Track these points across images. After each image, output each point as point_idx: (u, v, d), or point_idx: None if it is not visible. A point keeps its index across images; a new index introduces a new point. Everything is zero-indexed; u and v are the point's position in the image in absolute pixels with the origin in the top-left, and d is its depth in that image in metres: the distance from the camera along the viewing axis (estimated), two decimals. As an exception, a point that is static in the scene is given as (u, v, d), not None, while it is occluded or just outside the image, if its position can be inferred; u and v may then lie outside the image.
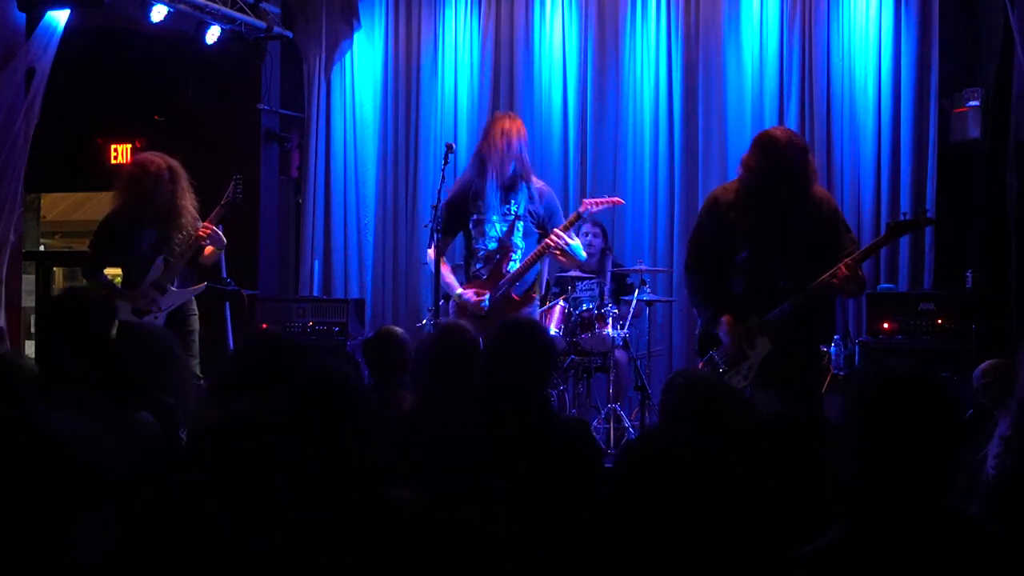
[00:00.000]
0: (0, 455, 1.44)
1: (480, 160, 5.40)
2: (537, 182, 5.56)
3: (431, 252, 5.58)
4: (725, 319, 4.51)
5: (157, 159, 5.58)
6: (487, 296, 5.38)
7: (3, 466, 1.44)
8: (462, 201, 5.41)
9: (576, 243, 5.42)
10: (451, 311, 5.53)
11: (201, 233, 5.56)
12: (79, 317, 3.04)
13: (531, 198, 5.41)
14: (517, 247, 5.41)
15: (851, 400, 2.04)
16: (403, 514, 2.13)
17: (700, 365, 4.77)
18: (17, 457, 1.44)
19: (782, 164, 4.34)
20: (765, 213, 4.41)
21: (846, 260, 4.27)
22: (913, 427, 1.93)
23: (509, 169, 5.33)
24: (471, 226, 5.35)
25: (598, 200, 5.53)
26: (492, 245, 5.41)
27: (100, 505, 1.47)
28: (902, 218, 4.86)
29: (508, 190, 5.39)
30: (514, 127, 5.37)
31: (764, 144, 4.44)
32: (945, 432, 1.94)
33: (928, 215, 4.59)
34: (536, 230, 5.42)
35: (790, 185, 4.36)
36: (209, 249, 5.67)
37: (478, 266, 5.42)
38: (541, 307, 6.53)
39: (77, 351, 2.96)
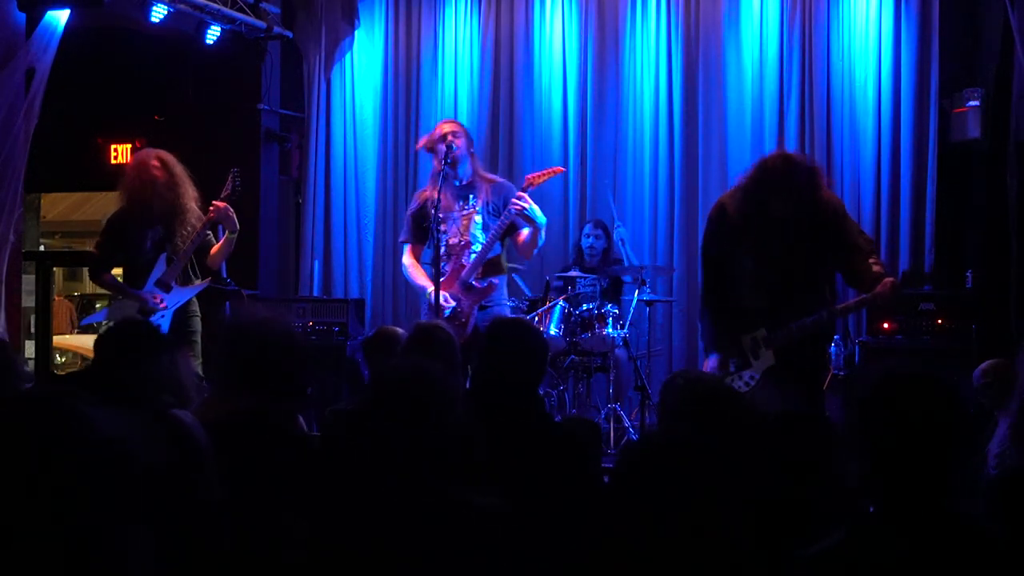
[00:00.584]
0: (42, 452, 1.44)
1: (435, 169, 5.47)
2: (492, 177, 5.64)
3: (406, 258, 5.62)
4: (714, 359, 4.53)
5: (155, 160, 5.59)
6: (453, 299, 5.39)
7: (46, 463, 1.44)
8: (422, 206, 5.51)
9: (535, 206, 5.39)
10: (423, 310, 5.57)
11: (211, 214, 5.54)
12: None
13: (488, 192, 5.46)
14: (476, 239, 5.43)
15: (854, 400, 2.03)
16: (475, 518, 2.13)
17: (705, 364, 4.77)
18: (62, 454, 1.44)
19: (787, 193, 4.30)
20: (769, 226, 4.38)
21: (891, 281, 4.27)
22: (916, 427, 1.92)
23: (461, 170, 5.42)
24: (433, 228, 5.34)
25: (540, 173, 5.57)
26: (452, 241, 5.45)
27: (139, 506, 1.48)
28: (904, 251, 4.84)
29: (464, 188, 5.47)
30: (459, 130, 5.50)
31: (765, 176, 4.39)
32: (949, 432, 1.94)
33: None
34: (497, 221, 5.44)
35: (794, 211, 4.33)
36: (216, 247, 5.68)
37: (442, 265, 5.42)
38: (541, 307, 6.54)
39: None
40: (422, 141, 5.67)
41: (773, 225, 4.35)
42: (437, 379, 2.23)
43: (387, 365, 2.33)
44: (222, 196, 5.65)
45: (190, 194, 5.62)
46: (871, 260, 4.36)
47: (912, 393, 1.96)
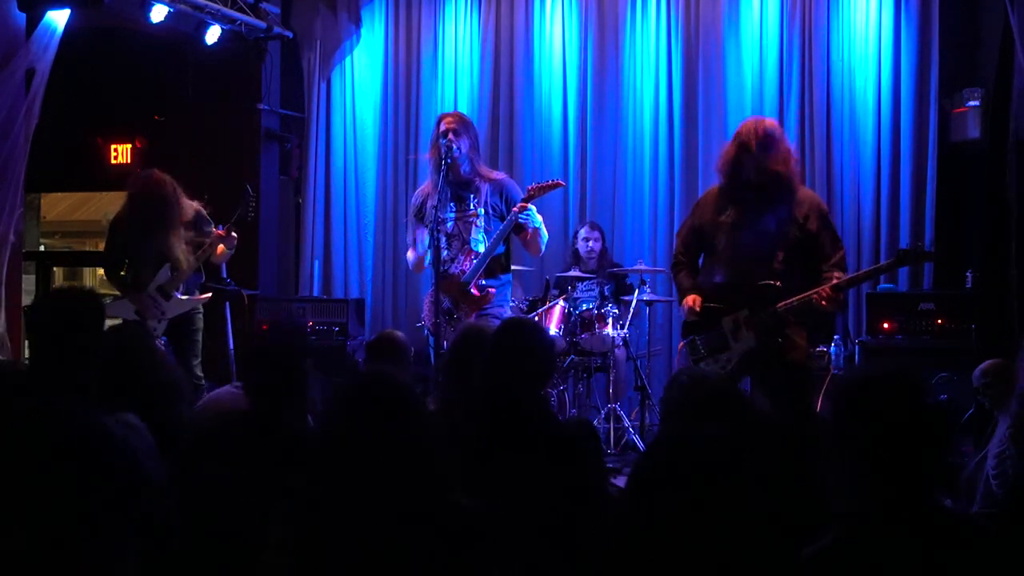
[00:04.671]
0: (48, 450, 1.45)
1: (433, 165, 5.36)
2: (493, 173, 5.55)
3: (410, 254, 5.56)
4: (691, 299, 4.58)
5: (153, 187, 5.57)
6: (451, 303, 5.35)
7: (52, 462, 1.45)
8: (421, 206, 5.43)
9: (533, 211, 5.30)
10: (424, 310, 5.53)
11: (218, 234, 5.62)
12: (71, 317, 3.06)
13: (489, 192, 5.37)
14: (477, 243, 5.37)
15: (832, 405, 2.05)
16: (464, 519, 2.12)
17: (680, 346, 4.81)
18: (67, 453, 1.45)
19: (748, 151, 4.43)
20: (743, 205, 4.47)
21: (832, 283, 4.32)
22: (887, 426, 1.94)
23: (461, 170, 5.32)
24: (434, 229, 5.27)
25: (541, 185, 5.41)
26: (454, 244, 5.37)
27: (139, 504, 1.49)
28: (904, 246, 4.88)
29: (463, 188, 5.36)
30: (460, 127, 5.35)
31: (736, 136, 4.57)
32: (919, 429, 1.95)
33: (928, 248, 4.71)
34: (499, 223, 5.35)
35: (761, 167, 4.41)
36: (221, 248, 5.70)
37: (443, 267, 5.35)
38: (541, 307, 6.54)
39: (71, 352, 2.98)
40: (431, 149, 5.46)
41: (746, 202, 4.46)
42: (400, 385, 2.22)
43: (349, 375, 2.32)
44: (234, 219, 5.68)
45: (182, 221, 5.64)
46: (836, 274, 4.44)
47: (881, 393, 1.98)
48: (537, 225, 5.33)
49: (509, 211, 5.33)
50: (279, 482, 2.40)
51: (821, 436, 2.42)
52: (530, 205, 5.25)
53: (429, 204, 5.34)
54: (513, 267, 6.78)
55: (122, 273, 5.82)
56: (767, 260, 4.47)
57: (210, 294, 5.84)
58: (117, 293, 5.89)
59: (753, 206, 4.48)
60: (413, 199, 5.63)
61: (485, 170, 5.51)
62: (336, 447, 2.10)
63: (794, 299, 4.39)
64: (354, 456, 2.07)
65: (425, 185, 5.53)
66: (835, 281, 4.35)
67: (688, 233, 4.78)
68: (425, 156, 5.53)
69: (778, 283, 4.44)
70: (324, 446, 2.13)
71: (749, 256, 4.49)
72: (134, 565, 1.49)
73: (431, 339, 5.38)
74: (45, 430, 1.46)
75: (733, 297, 4.52)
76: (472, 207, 5.36)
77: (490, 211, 5.36)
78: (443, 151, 5.26)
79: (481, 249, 5.34)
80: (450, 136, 5.28)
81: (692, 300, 4.63)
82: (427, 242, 5.31)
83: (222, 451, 2.75)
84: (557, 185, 5.50)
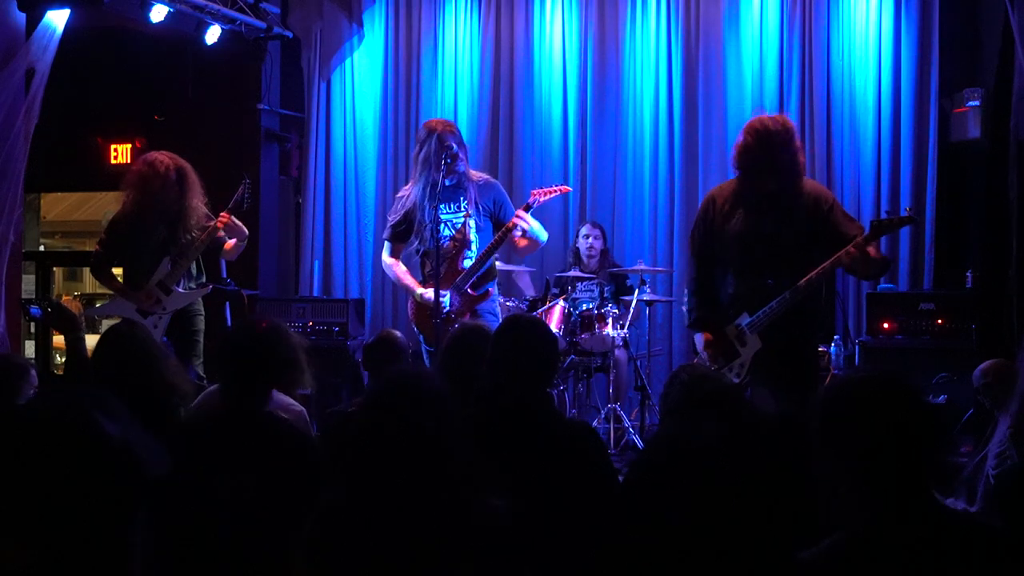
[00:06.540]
0: (64, 458, 1.46)
1: (423, 167, 5.35)
2: (479, 175, 5.58)
3: (387, 257, 5.56)
4: (703, 335, 4.54)
5: (165, 158, 5.57)
6: (447, 294, 5.35)
7: (68, 469, 1.45)
8: (412, 208, 5.41)
9: (537, 225, 5.36)
10: (410, 310, 5.52)
11: (219, 224, 5.56)
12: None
13: (477, 192, 5.40)
14: (471, 243, 5.38)
15: (823, 410, 2.04)
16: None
17: (695, 361, 4.79)
18: (82, 461, 1.46)
19: (772, 152, 4.34)
20: (753, 211, 4.42)
21: (853, 243, 4.23)
22: (883, 430, 1.93)
23: (458, 170, 5.33)
24: (423, 230, 5.28)
25: (546, 190, 5.48)
26: (446, 244, 5.37)
27: (144, 508, 1.50)
28: (883, 216, 4.79)
29: (454, 189, 5.37)
30: (447, 129, 5.38)
31: (755, 132, 4.43)
32: (916, 430, 1.94)
33: (907, 214, 4.56)
34: (489, 222, 5.40)
35: (778, 175, 4.35)
36: (230, 243, 5.68)
37: (432, 266, 5.34)
38: (541, 307, 6.54)
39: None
40: (422, 151, 5.38)
41: (758, 208, 4.38)
42: (433, 384, 2.23)
43: (385, 373, 2.33)
44: (230, 206, 5.64)
45: (196, 197, 5.61)
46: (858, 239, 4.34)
47: (871, 397, 1.97)
48: (536, 236, 5.35)
49: (499, 213, 5.38)
50: (257, 473, 2.41)
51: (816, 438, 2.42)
52: (526, 216, 5.26)
53: (416, 207, 5.34)
54: (511, 267, 6.83)
55: (113, 272, 5.82)
56: (778, 264, 4.43)
57: (210, 286, 5.82)
58: (111, 293, 5.90)
59: (762, 213, 4.41)
60: (397, 201, 5.58)
61: (471, 172, 5.56)
62: (368, 445, 2.10)
63: (801, 282, 4.32)
64: (385, 454, 2.07)
65: (408, 187, 5.51)
66: (859, 239, 4.25)
67: (701, 243, 4.65)
68: (421, 157, 5.49)
69: (770, 281, 4.40)
70: (357, 444, 2.13)
71: (758, 265, 4.45)
72: (139, 569, 1.50)
73: (421, 337, 5.43)
74: (36, 435, 1.46)
75: (744, 304, 4.49)
76: (464, 207, 5.39)
77: (480, 209, 5.39)
78: (444, 152, 5.25)
79: (475, 247, 5.37)
80: (450, 139, 5.31)
81: (705, 339, 4.59)
82: (415, 247, 5.36)
83: (203, 446, 2.76)
84: (562, 190, 5.57)
